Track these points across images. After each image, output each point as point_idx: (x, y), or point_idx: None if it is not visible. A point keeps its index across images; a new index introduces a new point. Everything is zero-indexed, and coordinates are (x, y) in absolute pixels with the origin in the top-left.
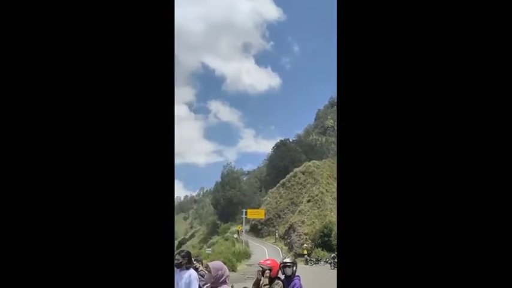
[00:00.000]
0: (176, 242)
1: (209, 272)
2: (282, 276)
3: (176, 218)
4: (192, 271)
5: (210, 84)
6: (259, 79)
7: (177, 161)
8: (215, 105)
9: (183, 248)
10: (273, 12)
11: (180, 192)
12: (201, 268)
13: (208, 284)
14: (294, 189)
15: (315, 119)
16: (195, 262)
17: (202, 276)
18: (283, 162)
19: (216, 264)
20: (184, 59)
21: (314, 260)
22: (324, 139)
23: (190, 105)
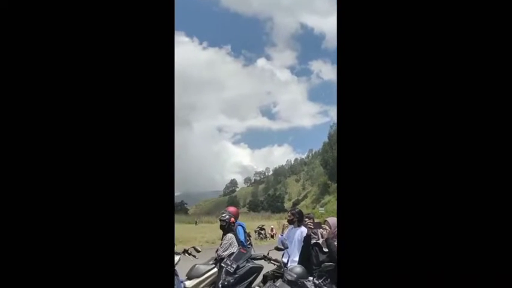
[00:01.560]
0: (290, 203)
1: (329, 227)
2: None
3: (288, 180)
4: (303, 228)
5: (310, 43)
6: None
7: (284, 125)
8: (317, 65)
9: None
10: None
11: (290, 155)
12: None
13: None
14: None
15: None
16: (306, 219)
17: (314, 234)
18: None
19: (334, 220)
20: (282, 21)
21: None
22: None
23: (292, 69)
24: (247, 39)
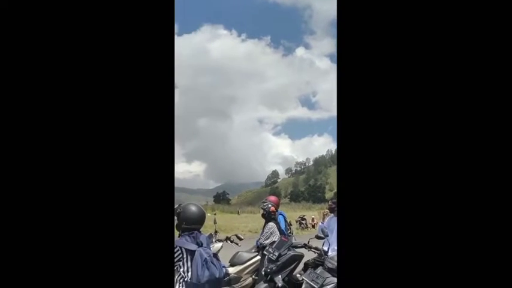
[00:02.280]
0: (331, 193)
1: None
2: None
3: (329, 170)
4: None
5: None
6: None
7: (324, 115)
8: None
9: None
10: None
11: (330, 145)
12: None
13: None
14: None
15: None
16: None
17: None
18: None
19: None
20: (321, 8)
21: None
22: None
23: (331, 57)
24: (286, 28)
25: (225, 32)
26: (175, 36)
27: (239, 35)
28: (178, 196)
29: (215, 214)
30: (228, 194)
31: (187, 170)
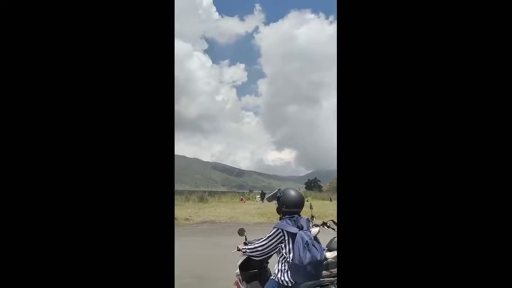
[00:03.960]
0: None
1: None
2: None
3: None
4: None
5: None
6: None
7: None
8: None
9: None
10: None
11: None
12: None
13: None
14: None
15: None
16: None
17: None
18: None
19: None
20: None
21: None
22: None
23: None
24: None
25: (312, 16)
26: (262, 26)
27: (327, 18)
28: (270, 183)
29: (307, 201)
30: (319, 180)
31: (278, 157)
